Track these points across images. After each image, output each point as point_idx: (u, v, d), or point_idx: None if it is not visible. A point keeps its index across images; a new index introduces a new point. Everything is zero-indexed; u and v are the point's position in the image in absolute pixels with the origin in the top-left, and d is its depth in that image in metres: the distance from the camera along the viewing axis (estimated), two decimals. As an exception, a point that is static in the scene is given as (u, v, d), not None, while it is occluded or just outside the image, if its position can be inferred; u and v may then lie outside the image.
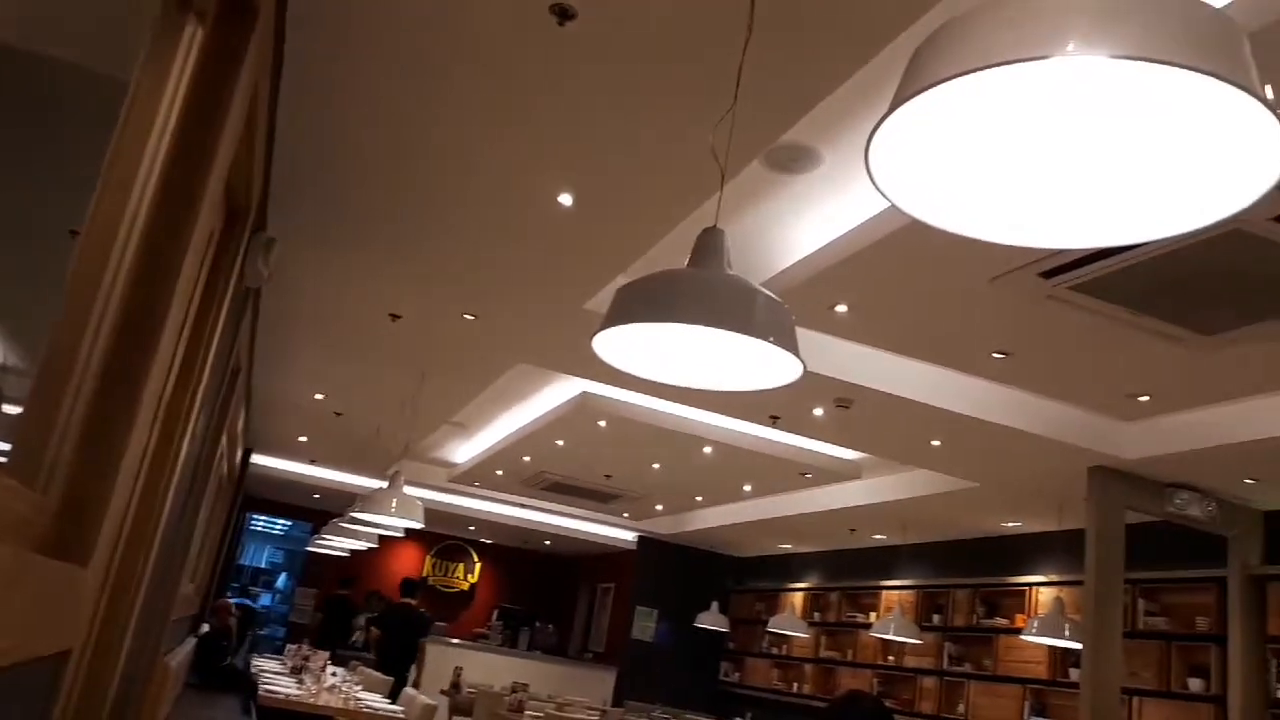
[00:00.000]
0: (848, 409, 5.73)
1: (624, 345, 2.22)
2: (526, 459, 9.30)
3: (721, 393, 4.21)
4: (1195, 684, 6.44)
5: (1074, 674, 7.20)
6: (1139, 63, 1.10)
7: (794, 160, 3.65)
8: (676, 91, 2.97)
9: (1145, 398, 5.21)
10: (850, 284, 4.31)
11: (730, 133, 2.73)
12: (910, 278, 4.16)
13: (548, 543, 14.72)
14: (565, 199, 3.82)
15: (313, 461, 12.06)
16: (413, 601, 10.15)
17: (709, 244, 2.18)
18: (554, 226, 4.09)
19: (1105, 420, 5.68)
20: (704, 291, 2.03)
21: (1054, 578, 7.81)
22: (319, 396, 8.54)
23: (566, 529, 12.98)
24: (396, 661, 9.47)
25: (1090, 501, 5.93)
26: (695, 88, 2.92)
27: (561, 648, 14.63)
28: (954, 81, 1.17)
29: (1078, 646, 6.00)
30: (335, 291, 5.61)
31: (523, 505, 12.10)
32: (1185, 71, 1.09)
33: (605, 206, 3.85)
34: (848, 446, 7.15)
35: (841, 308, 4.56)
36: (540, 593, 15.86)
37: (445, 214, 4.20)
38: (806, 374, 2.16)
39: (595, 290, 4.68)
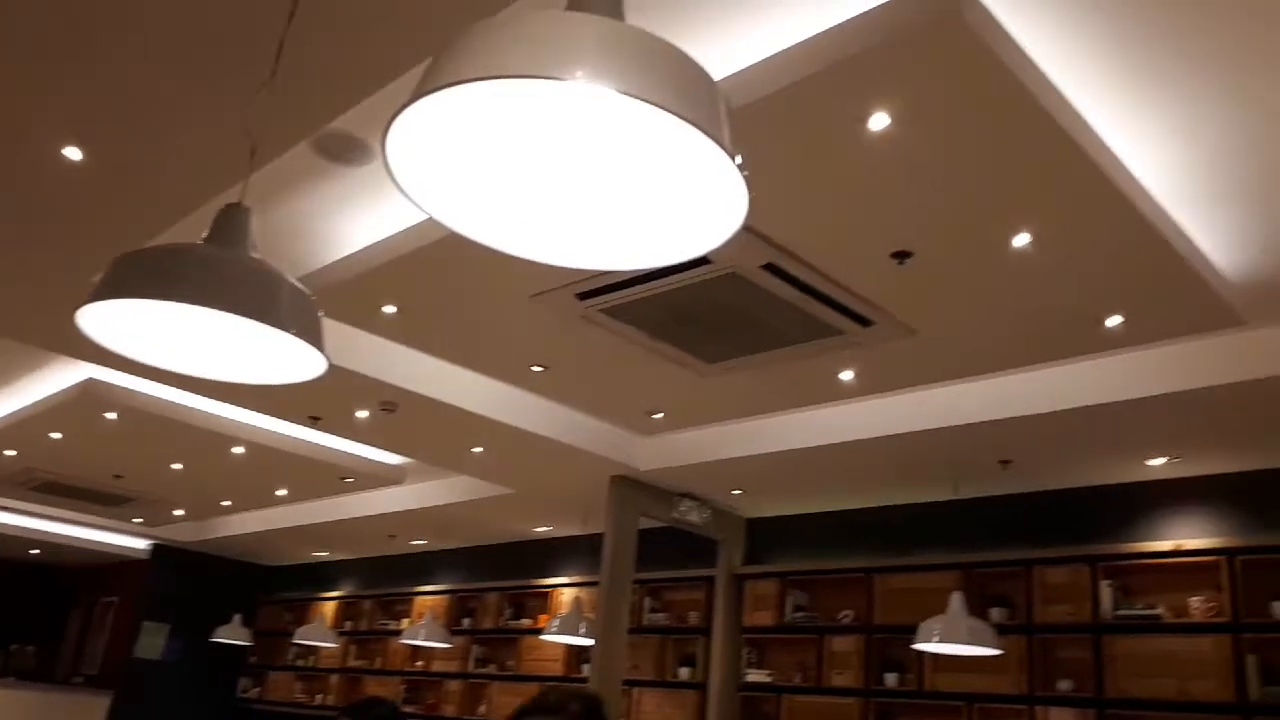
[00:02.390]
0: (393, 413, 5.66)
1: (118, 323, 1.96)
2: (11, 453, 7.93)
3: (250, 387, 3.92)
4: (684, 673, 7.28)
5: (586, 669, 7.76)
6: (638, 102, 1.19)
7: (347, 151, 3.52)
8: (217, 56, 2.72)
9: (659, 415, 5.79)
10: (399, 286, 4.26)
11: (270, 110, 2.55)
12: (458, 286, 4.22)
13: (35, 552, 12.68)
14: (72, 152, 3.32)
15: None
16: None
17: (231, 222, 2.01)
18: (57, 182, 3.54)
19: (626, 434, 6.23)
20: (219, 271, 1.86)
21: (576, 579, 8.36)
22: None
23: (62, 536, 11.28)
24: None
25: (610, 508, 6.45)
26: (238, 54, 2.70)
27: (46, 672, 12.65)
28: (471, 87, 1.18)
29: (590, 643, 6.47)
30: None
31: (4, 509, 10.31)
32: (674, 118, 1.20)
33: (124, 169, 3.41)
34: (391, 451, 7.06)
35: (390, 309, 4.50)
36: (24, 610, 13.58)
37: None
38: (351, 375, 2.07)
39: (106, 263, 4.11)
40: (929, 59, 2.52)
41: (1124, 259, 3.48)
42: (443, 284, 4.21)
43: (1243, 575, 4.93)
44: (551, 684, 7.69)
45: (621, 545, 6.39)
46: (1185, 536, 5.30)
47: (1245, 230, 3.49)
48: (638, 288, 4.00)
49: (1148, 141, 3.06)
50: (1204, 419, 4.57)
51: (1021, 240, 3.41)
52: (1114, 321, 3.96)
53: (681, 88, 1.20)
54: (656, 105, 1.16)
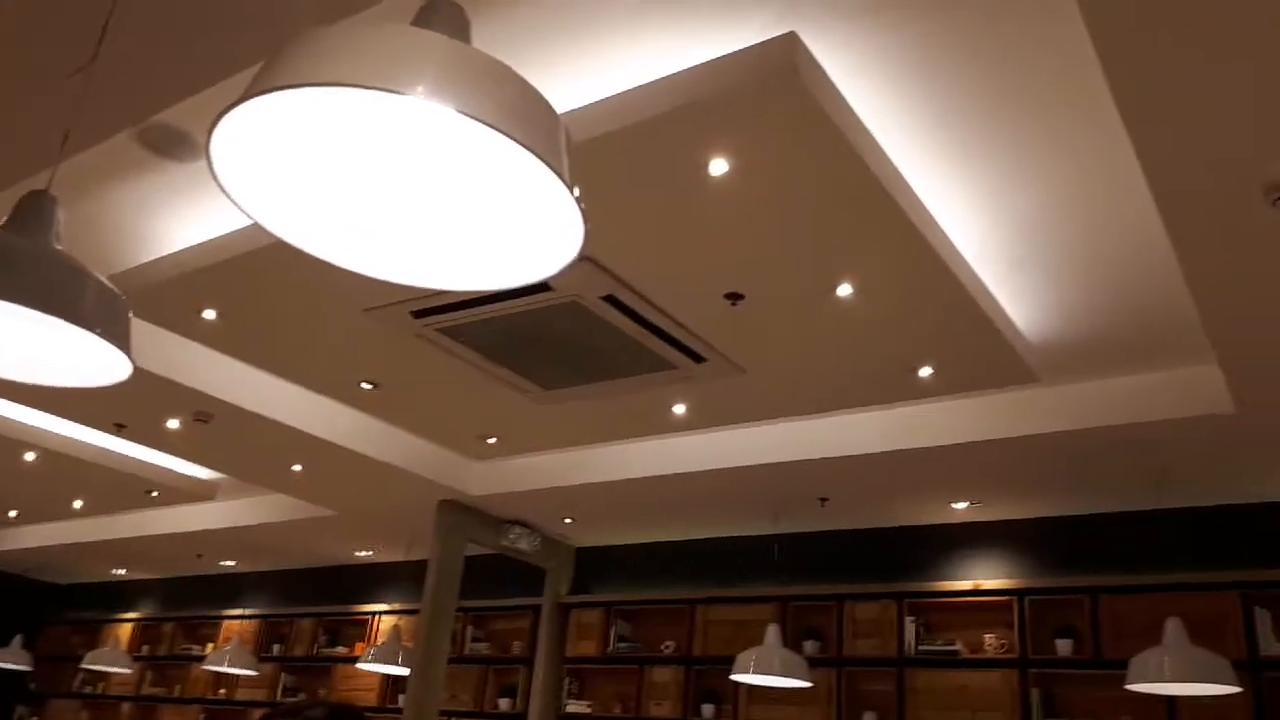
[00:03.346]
0: (207, 423, 5.36)
1: (-109, 313, 1.79)
2: None
3: (46, 389, 3.64)
4: (504, 703, 7.17)
5: (402, 700, 7.52)
6: (477, 124, 1.20)
7: (174, 145, 3.34)
8: (37, 32, 2.54)
9: (493, 439, 5.73)
10: (221, 291, 4.06)
11: (90, 95, 2.40)
12: (285, 295, 4.06)
13: None
14: None
15: None
16: None
17: (33, 209, 1.87)
18: None
19: (458, 457, 6.12)
20: (12, 260, 1.72)
21: (396, 606, 8.12)
22: None
23: None
24: None
25: (437, 533, 6.31)
26: (59, 34, 2.52)
27: None
28: (308, 93, 1.16)
29: (407, 672, 6.28)
30: None
31: None
32: (513, 144, 1.21)
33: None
34: (203, 464, 6.67)
35: (210, 314, 4.27)
36: None
37: None
38: (163, 381, 1.95)
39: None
40: (766, 112, 2.63)
41: (936, 314, 3.72)
42: (269, 292, 4.04)
43: (1030, 614, 5.31)
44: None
45: (446, 572, 6.25)
46: (983, 577, 5.66)
47: (1042, 295, 3.80)
48: (476, 309, 3.97)
49: (964, 209, 3.30)
50: (1001, 467, 4.92)
51: (845, 290, 3.59)
52: (926, 372, 4.22)
53: (522, 114, 1.21)
54: (495, 129, 1.17)
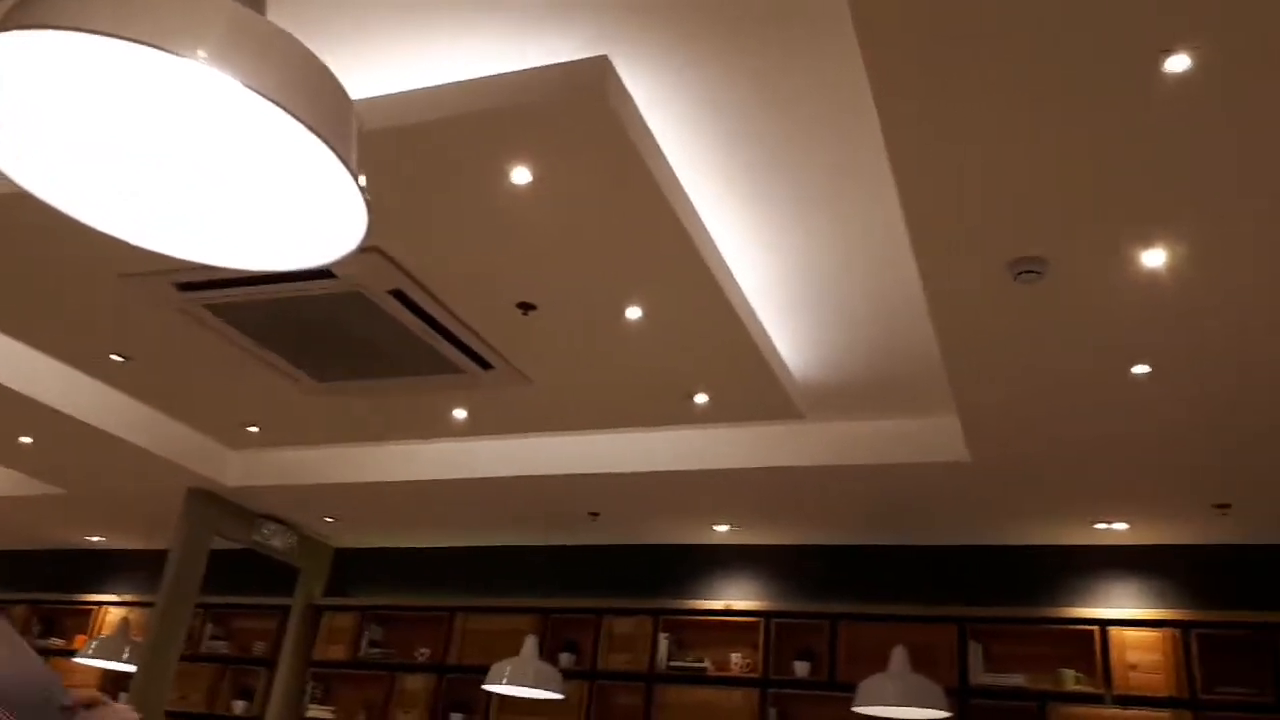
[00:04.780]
0: (-82, 383, 4.74)
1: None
2: None
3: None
4: (239, 706, 6.76)
5: (124, 698, 6.93)
6: (266, 101, 1.13)
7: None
8: None
9: (255, 428, 5.41)
10: (-47, 237, 3.62)
11: None
12: (28, 251, 3.67)
13: None
14: None
15: None
16: None
17: None
18: None
19: (213, 444, 5.74)
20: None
21: (128, 598, 7.49)
22: None
23: None
24: None
25: (182, 523, 5.88)
26: None
27: None
28: (75, 38, 1.06)
29: (133, 669, 5.79)
30: None
31: None
32: (302, 127, 1.15)
33: None
34: (-90, 428, 5.90)
35: (-64, 261, 3.80)
36: None
37: None
38: None
39: None
40: (572, 129, 2.66)
41: (716, 346, 3.87)
42: (9, 245, 3.64)
43: (776, 636, 5.59)
44: None
45: (188, 565, 5.84)
46: (735, 598, 5.92)
47: (815, 338, 4.04)
48: (249, 288, 3.74)
49: (751, 248, 3.46)
50: (762, 495, 5.17)
51: (634, 313, 3.67)
52: (701, 399, 4.38)
53: (309, 93, 1.16)
54: (278, 105, 1.11)
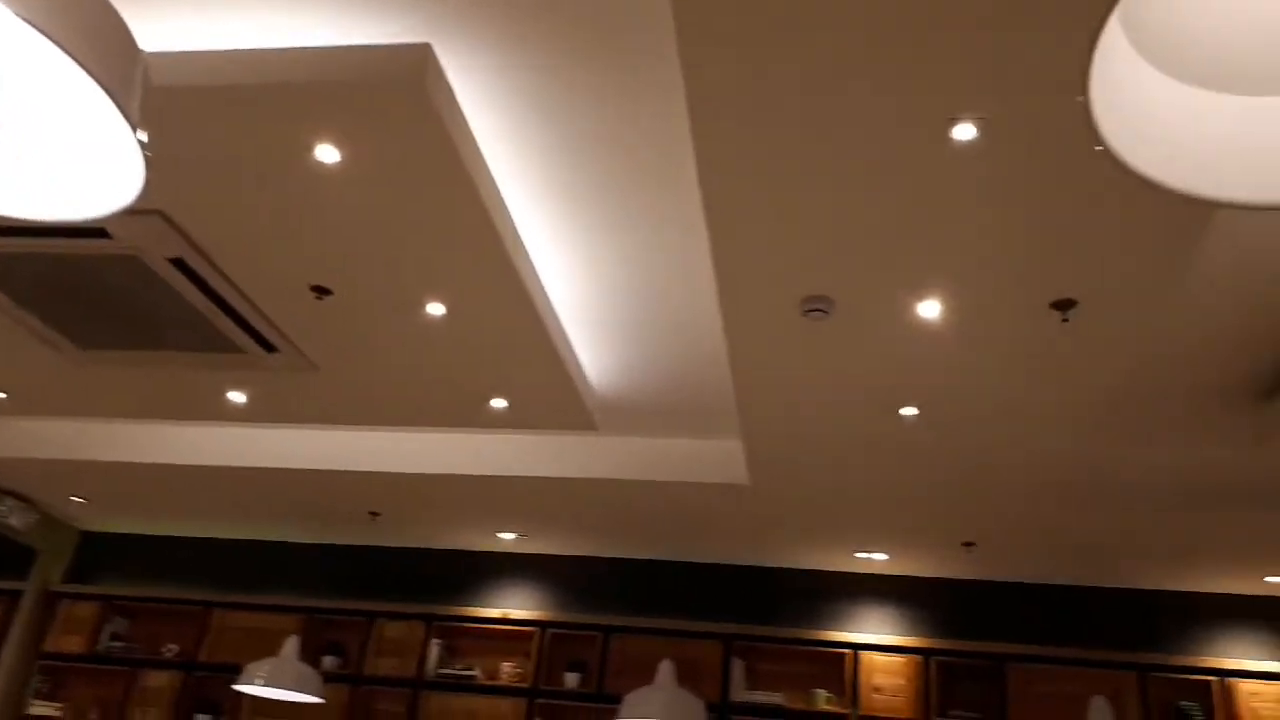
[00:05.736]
0: None
1: None
2: None
3: None
4: (-52, 700, 6.06)
5: None
6: (34, 31, 1.03)
7: None
8: None
9: (3, 395, 4.90)
10: None
11: None
12: None
13: None
14: None
15: None
16: None
17: None
18: None
19: (-52, 407, 5.14)
20: None
21: None
22: None
23: None
24: None
25: (-102, 492, 5.23)
26: None
27: None
28: None
29: None
30: None
31: None
32: (81, 70, 1.06)
33: None
34: None
35: None
36: None
37: None
38: None
39: None
40: (386, 113, 2.58)
41: (518, 351, 3.85)
42: None
43: (549, 646, 5.60)
44: None
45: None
46: (513, 606, 5.88)
47: (612, 354, 4.10)
48: (11, 239, 3.39)
49: (563, 258, 3.47)
50: (550, 504, 5.18)
51: (435, 309, 3.59)
52: (499, 404, 4.34)
53: (91, 34, 1.07)
54: (54, 42, 1.02)
